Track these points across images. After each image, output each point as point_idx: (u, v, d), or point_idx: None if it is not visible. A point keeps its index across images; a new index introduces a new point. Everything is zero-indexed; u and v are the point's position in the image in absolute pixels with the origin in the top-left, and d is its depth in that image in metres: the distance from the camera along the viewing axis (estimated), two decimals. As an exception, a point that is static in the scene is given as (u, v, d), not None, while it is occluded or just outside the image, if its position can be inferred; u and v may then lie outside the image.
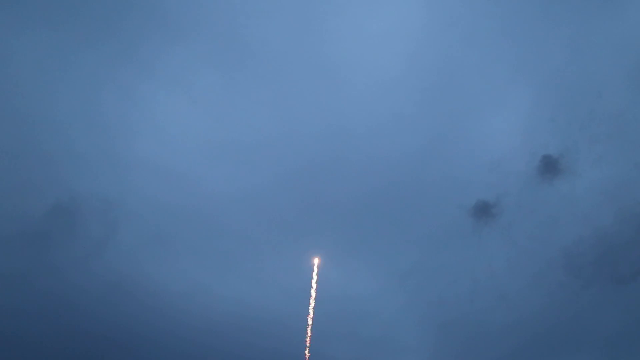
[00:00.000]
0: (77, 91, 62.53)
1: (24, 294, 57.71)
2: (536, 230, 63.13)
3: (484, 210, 62.99)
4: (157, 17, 63.36)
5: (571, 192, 62.09)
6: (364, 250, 62.84)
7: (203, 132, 63.95)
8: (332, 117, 65.38)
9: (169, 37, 63.65)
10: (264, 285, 61.60)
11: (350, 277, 60.97)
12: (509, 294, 62.17)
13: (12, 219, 58.90)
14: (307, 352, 49.14)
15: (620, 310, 60.14)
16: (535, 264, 62.48)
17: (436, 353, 62.36)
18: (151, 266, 61.08)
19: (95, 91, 62.82)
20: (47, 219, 60.34)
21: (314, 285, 49.06)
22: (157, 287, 59.45)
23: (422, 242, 64.12)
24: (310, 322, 49.23)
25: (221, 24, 63.54)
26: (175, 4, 63.50)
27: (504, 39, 65.20)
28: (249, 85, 63.04)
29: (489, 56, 65.58)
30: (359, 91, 64.74)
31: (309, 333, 49.56)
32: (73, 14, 62.20)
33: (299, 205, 62.74)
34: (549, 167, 62.33)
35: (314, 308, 49.04)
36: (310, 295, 49.13)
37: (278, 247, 62.20)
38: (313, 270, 49.53)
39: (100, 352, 56.87)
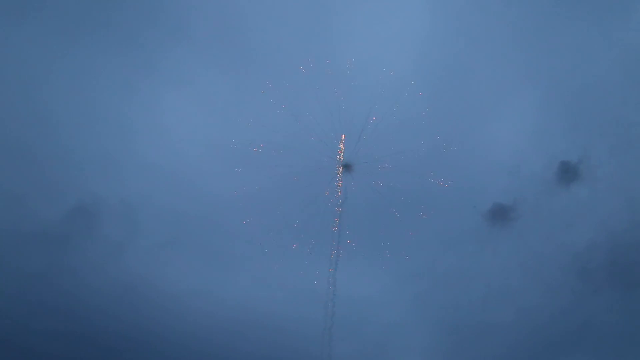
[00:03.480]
0: (73, 90, 62.58)
1: (43, 293, 59.66)
2: (551, 235, 63.07)
3: (500, 214, 62.84)
4: (159, 12, 62.64)
5: (588, 198, 61.86)
6: (370, 251, 61.91)
7: (209, 134, 63.60)
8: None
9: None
10: (271, 289, 62.78)
11: (356, 278, 60.95)
12: (521, 299, 62.55)
13: (33, 220, 60.45)
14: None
15: (630, 315, 60.67)
16: (548, 268, 62.74)
17: (442, 355, 63.18)
18: (160, 270, 62.65)
19: (98, 92, 62.94)
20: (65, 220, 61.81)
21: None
22: (163, 292, 61.42)
23: (432, 244, 63.82)
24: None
25: (228, 21, 62.62)
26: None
27: (514, 41, 63.95)
28: (256, 85, 61.89)
29: (498, 59, 64.34)
30: (366, 92, 63.25)
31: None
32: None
33: (306, 206, 61.72)
34: (567, 172, 61.98)
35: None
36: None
37: (285, 250, 61.80)
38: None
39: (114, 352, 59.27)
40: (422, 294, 64.06)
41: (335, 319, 57.88)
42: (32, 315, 58.99)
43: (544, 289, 62.38)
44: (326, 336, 56.70)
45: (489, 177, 63.23)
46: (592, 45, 62.77)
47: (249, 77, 62.17)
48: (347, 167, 60.02)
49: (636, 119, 61.32)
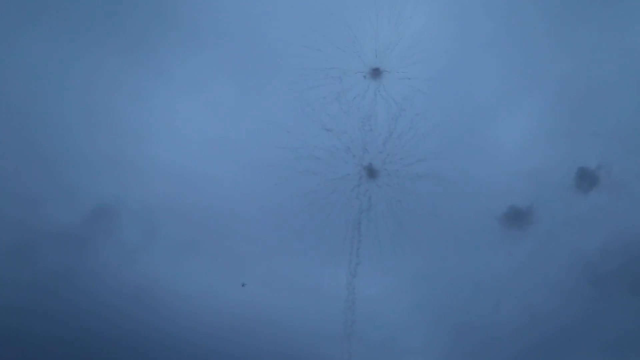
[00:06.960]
0: (88, 94, 63.17)
1: (62, 293, 61.30)
2: (567, 241, 63.31)
3: (516, 218, 63.01)
4: (171, 16, 62.29)
5: (605, 204, 61.78)
6: (382, 254, 62.12)
7: (222, 137, 63.82)
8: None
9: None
10: (287, 290, 63.68)
11: (367, 280, 61.61)
12: (532, 303, 63.37)
13: (52, 222, 61.93)
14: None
15: (636, 319, 61.47)
16: (561, 273, 63.24)
17: (452, 358, 64.27)
18: (176, 271, 64.00)
19: (113, 96, 63.19)
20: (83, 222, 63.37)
21: None
22: (180, 293, 62.88)
23: (445, 246, 64.12)
24: None
25: (240, 26, 62.13)
26: (191, 3, 62.34)
27: (533, 43, 62.62)
28: (267, 88, 61.82)
29: (516, 60, 63.29)
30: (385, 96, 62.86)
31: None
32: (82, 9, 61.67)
33: (327, 210, 62.01)
34: (585, 179, 61.84)
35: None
36: None
37: (292, 249, 63.41)
38: None
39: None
40: (434, 297, 64.90)
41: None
42: (51, 315, 60.62)
43: (556, 293, 63.04)
44: (345, 343, 57.47)
45: (505, 180, 62.82)
46: (609, 49, 61.74)
47: (260, 81, 61.84)
48: (371, 172, 59.96)
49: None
